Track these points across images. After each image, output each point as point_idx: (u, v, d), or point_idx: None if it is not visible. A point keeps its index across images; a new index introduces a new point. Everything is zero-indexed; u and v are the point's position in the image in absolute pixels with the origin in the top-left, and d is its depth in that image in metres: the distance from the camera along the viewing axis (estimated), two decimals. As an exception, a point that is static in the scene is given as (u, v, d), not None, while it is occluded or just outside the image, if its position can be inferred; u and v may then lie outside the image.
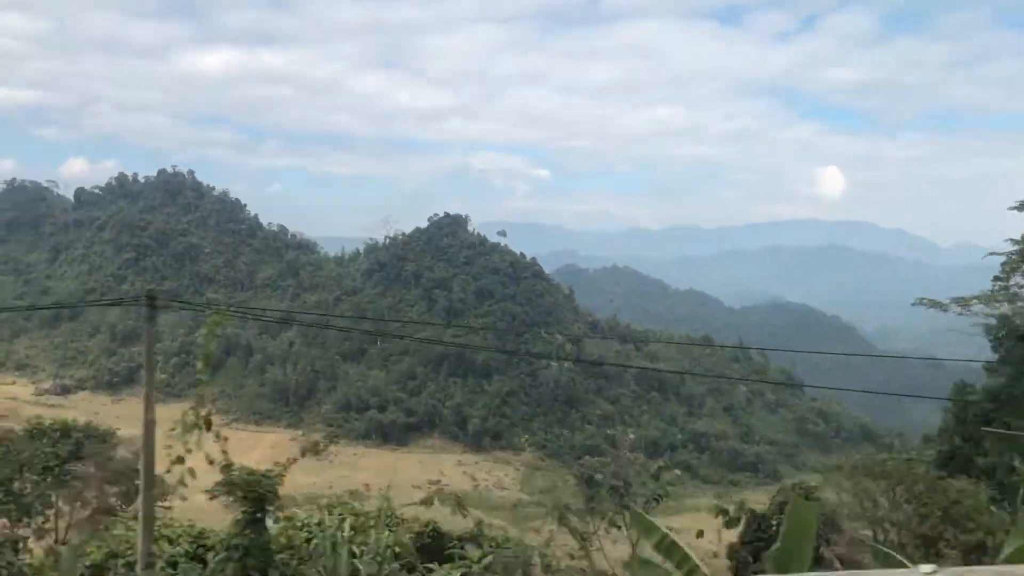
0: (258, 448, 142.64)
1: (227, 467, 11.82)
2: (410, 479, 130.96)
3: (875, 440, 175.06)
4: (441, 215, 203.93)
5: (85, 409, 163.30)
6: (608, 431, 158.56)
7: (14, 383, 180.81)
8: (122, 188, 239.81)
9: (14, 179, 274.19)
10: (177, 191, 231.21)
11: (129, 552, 14.62)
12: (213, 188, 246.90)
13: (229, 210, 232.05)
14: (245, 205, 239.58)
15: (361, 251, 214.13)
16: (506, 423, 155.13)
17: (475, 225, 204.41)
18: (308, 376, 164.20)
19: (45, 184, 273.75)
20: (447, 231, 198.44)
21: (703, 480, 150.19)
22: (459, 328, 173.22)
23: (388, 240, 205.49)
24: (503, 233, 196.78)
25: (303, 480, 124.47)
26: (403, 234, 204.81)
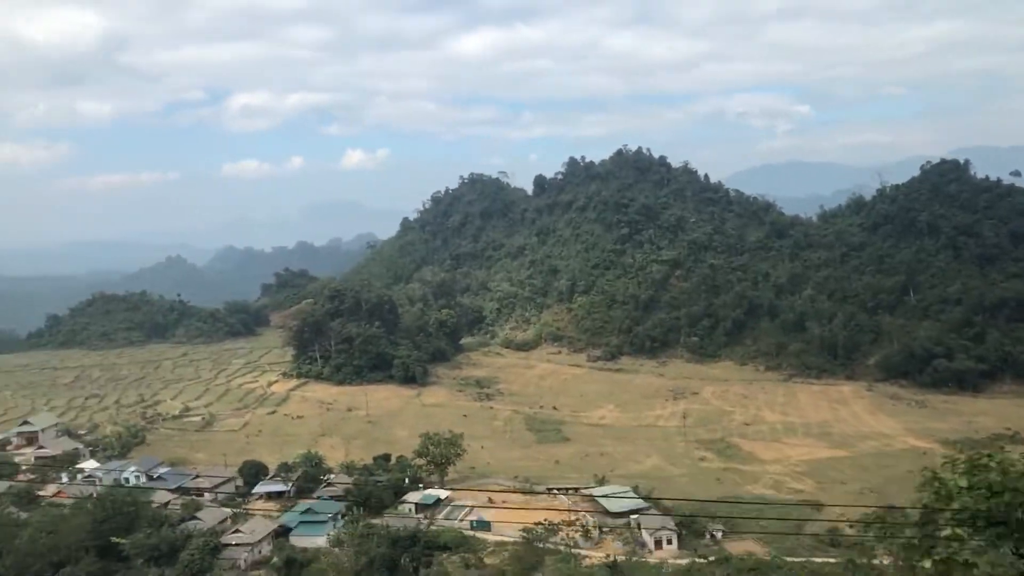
0: (851, 400, 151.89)
1: None
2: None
3: None
4: (936, 161, 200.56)
5: (649, 372, 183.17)
6: None
7: (560, 352, 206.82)
8: (587, 171, 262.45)
9: (471, 173, 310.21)
10: (646, 167, 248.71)
11: None
12: (664, 161, 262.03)
13: (697, 181, 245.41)
14: (705, 175, 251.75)
15: (843, 205, 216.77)
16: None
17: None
18: (850, 329, 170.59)
19: (495, 175, 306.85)
20: (950, 177, 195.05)
21: None
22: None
23: (878, 192, 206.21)
24: (1016, 173, 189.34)
25: (937, 426, 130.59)
26: (892, 185, 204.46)
